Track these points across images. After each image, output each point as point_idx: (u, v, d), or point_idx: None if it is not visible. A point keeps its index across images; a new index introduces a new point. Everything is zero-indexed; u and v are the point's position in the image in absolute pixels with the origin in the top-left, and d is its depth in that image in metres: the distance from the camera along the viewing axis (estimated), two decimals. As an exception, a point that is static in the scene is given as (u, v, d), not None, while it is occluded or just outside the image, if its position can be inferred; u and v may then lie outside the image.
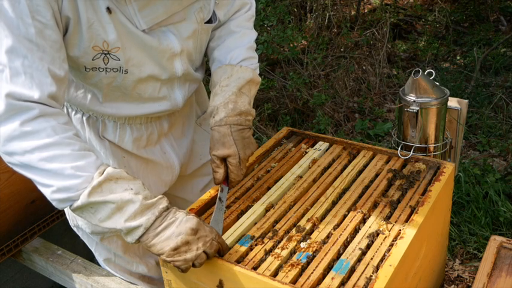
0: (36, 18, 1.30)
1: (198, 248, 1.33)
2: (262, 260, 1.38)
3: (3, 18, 1.28)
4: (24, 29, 1.29)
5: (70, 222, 1.96)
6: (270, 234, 1.47)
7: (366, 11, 6.10)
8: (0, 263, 2.30)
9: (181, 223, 1.34)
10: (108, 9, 1.41)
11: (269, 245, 1.43)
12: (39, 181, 1.33)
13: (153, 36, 1.52)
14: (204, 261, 1.35)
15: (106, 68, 1.51)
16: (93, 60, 1.48)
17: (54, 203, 1.35)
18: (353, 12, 5.82)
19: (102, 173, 1.32)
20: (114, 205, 1.31)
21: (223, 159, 1.60)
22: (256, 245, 1.44)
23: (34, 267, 2.39)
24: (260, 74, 1.79)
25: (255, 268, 1.35)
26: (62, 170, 1.30)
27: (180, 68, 1.64)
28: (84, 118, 1.73)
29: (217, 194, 1.61)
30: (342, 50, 5.11)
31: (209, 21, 1.66)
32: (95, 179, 1.31)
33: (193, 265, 1.34)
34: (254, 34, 1.81)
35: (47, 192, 1.33)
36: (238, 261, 1.38)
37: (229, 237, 1.48)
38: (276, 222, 1.53)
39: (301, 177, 1.73)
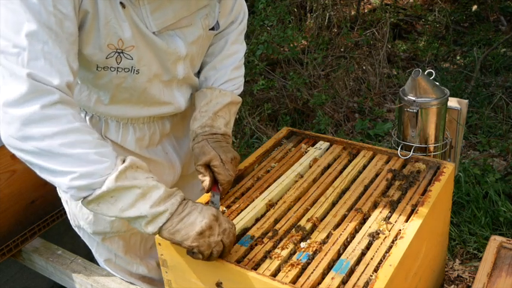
0: (58, 8, 1.29)
1: (219, 234, 1.34)
2: (262, 260, 1.38)
3: (26, 2, 1.26)
4: (46, 15, 1.28)
5: (71, 222, 1.96)
6: (270, 234, 1.47)
7: (366, 11, 6.10)
8: (0, 263, 2.30)
9: (203, 209, 1.36)
10: (122, 4, 1.41)
11: (269, 245, 1.43)
12: (57, 168, 1.27)
13: (162, 39, 1.54)
14: (221, 251, 1.36)
15: (118, 68, 1.52)
16: (106, 58, 1.48)
17: (71, 192, 1.30)
18: (353, 12, 5.82)
19: (124, 161, 1.32)
20: (140, 190, 1.30)
21: (207, 166, 1.64)
22: (256, 245, 1.44)
23: (34, 267, 2.39)
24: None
25: (254, 268, 1.35)
26: (85, 155, 1.27)
27: (182, 71, 1.67)
28: (87, 118, 1.73)
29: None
30: (342, 50, 5.11)
31: (212, 29, 1.70)
32: (119, 165, 1.30)
33: (211, 253, 1.34)
34: (243, 49, 1.89)
35: (64, 180, 1.27)
36: (238, 261, 1.38)
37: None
38: (276, 222, 1.53)
39: (301, 175, 1.73)
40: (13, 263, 2.45)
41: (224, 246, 1.36)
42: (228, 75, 1.80)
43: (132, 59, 1.51)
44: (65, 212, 2.45)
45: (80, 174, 1.27)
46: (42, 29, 1.28)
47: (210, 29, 1.68)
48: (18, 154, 1.31)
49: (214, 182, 1.64)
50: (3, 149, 2.13)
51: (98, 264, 2.19)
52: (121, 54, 1.48)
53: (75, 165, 1.27)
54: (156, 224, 1.32)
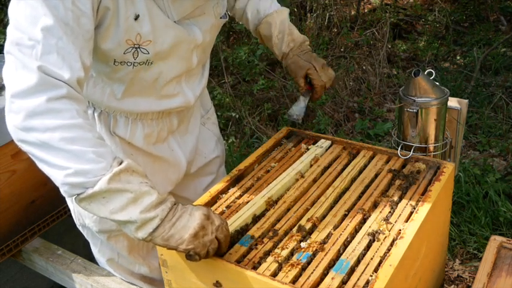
0: (76, 4, 1.32)
1: (212, 232, 1.34)
2: (262, 260, 1.38)
3: None
4: (63, 11, 1.30)
5: (76, 221, 1.96)
6: (270, 234, 1.47)
7: (366, 11, 6.10)
8: (0, 263, 2.30)
9: (192, 211, 1.35)
10: (137, 17, 1.48)
11: (269, 245, 1.43)
12: (55, 162, 1.28)
13: (183, 27, 1.61)
14: (216, 248, 1.35)
15: (134, 63, 1.56)
16: (124, 53, 1.52)
17: (64, 188, 1.30)
18: (353, 12, 5.82)
19: (120, 163, 1.31)
20: (132, 195, 1.29)
21: (306, 77, 1.96)
22: (256, 245, 1.44)
23: (34, 267, 2.39)
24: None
25: (254, 268, 1.35)
26: (83, 153, 1.27)
27: (196, 59, 1.73)
28: (96, 114, 1.74)
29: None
30: (342, 50, 5.11)
31: (222, 17, 1.77)
32: (115, 167, 1.29)
33: (207, 252, 1.34)
34: None
35: (59, 175, 1.28)
36: (238, 261, 1.38)
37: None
38: (276, 222, 1.53)
39: (302, 174, 1.73)
40: (13, 263, 2.45)
41: (220, 242, 1.36)
42: (268, 1, 2.03)
43: (148, 53, 1.55)
44: (65, 212, 2.47)
45: (75, 171, 1.27)
46: (58, 24, 1.30)
47: (220, 17, 1.75)
48: (21, 144, 1.32)
49: (310, 85, 1.98)
50: (3, 148, 2.15)
51: (98, 264, 2.19)
52: (138, 49, 1.53)
53: (71, 162, 1.27)
54: (146, 230, 1.31)
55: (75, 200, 1.32)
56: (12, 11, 1.33)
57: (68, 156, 1.27)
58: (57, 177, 1.29)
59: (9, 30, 1.32)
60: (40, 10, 1.29)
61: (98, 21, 1.43)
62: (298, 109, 1.95)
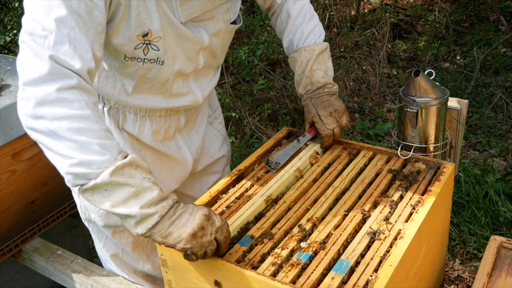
0: None
1: (212, 234, 1.34)
2: (262, 260, 1.38)
3: None
4: (77, 3, 1.32)
5: (82, 215, 1.97)
6: (270, 234, 1.47)
7: (366, 11, 6.10)
8: (0, 263, 2.30)
9: (193, 210, 1.36)
10: (146, 34, 1.51)
11: (269, 245, 1.43)
12: (60, 151, 1.30)
13: (188, 28, 1.63)
14: (215, 249, 1.36)
15: (144, 59, 1.58)
16: (134, 49, 1.54)
17: (68, 178, 1.32)
18: (353, 12, 5.82)
19: (125, 157, 1.32)
20: (134, 189, 1.30)
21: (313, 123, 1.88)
22: (256, 245, 1.44)
23: (34, 267, 2.39)
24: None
25: (254, 268, 1.35)
26: (88, 144, 1.29)
27: (202, 60, 1.74)
28: (105, 109, 1.76)
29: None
30: (342, 50, 5.11)
31: (233, 23, 1.78)
32: (119, 160, 1.31)
33: (205, 253, 1.35)
34: (306, 2, 1.98)
35: (64, 164, 1.30)
36: (238, 261, 1.39)
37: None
38: (276, 222, 1.53)
39: (301, 170, 1.73)
40: (13, 263, 2.45)
41: (219, 244, 1.36)
42: (305, 31, 1.93)
43: (159, 50, 1.57)
44: (65, 212, 2.47)
45: (79, 162, 1.28)
46: (71, 15, 1.32)
47: (231, 23, 1.76)
48: (30, 132, 1.34)
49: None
50: (3, 148, 2.15)
51: (98, 265, 2.19)
52: (148, 45, 1.55)
53: (76, 152, 1.28)
54: (145, 226, 1.32)
55: (79, 190, 1.34)
56: (27, 1, 1.35)
57: (73, 146, 1.29)
58: (62, 166, 1.31)
59: (24, 20, 1.34)
60: (54, 1, 1.31)
61: (110, 15, 1.45)
62: (281, 156, 1.81)
